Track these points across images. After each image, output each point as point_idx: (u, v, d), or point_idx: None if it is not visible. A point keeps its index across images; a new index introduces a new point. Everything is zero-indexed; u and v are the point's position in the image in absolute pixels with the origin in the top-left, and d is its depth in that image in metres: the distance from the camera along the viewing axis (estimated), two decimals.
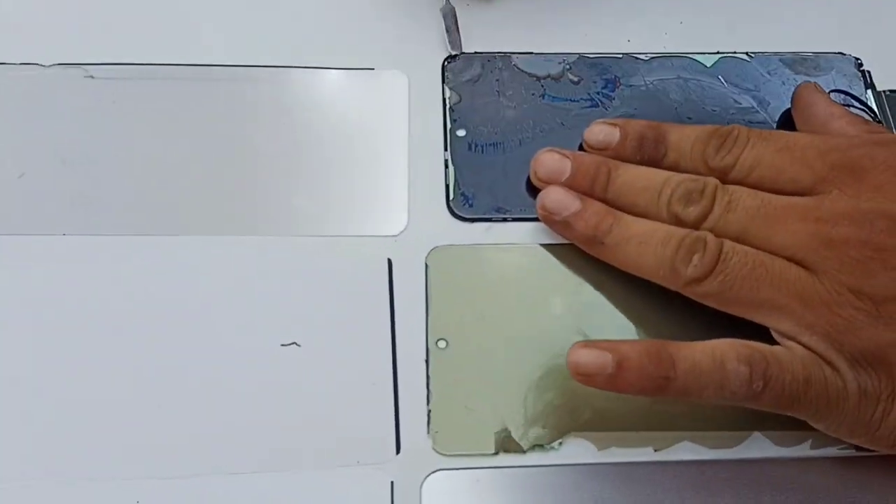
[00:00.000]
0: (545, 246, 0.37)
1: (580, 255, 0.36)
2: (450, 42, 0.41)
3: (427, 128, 0.40)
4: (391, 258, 0.37)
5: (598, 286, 0.36)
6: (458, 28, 0.41)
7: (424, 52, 0.42)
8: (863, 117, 0.35)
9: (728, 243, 0.32)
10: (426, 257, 0.37)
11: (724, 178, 0.34)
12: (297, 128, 0.40)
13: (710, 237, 0.32)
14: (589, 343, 0.31)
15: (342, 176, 0.39)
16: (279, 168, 0.39)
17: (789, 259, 0.32)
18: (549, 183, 0.36)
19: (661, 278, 0.34)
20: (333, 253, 0.37)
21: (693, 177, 0.34)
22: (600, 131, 0.37)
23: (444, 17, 0.42)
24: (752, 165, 0.34)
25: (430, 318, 0.35)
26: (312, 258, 0.37)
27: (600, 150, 0.37)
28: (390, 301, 0.36)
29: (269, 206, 0.38)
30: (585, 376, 0.30)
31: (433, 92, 0.41)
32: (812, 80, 0.41)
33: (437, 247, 0.37)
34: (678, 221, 0.34)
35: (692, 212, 0.33)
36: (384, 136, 0.40)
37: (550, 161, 0.37)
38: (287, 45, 0.42)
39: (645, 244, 0.34)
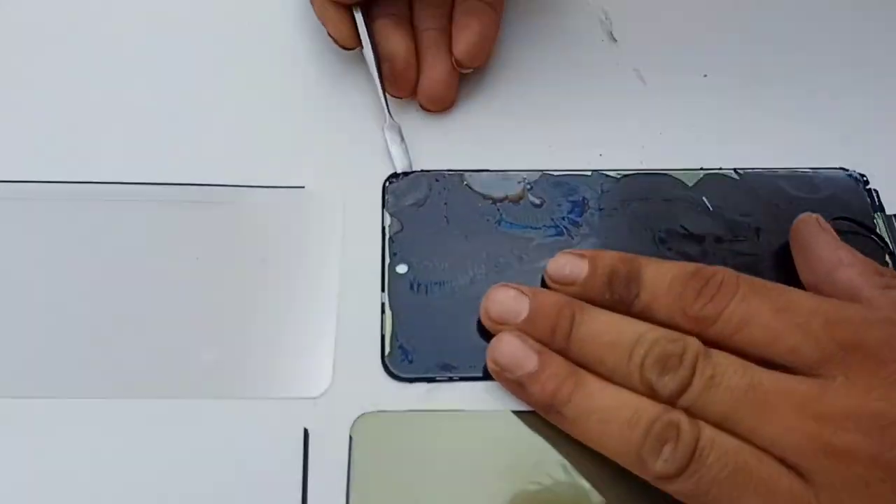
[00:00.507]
0: (503, 413, 0.31)
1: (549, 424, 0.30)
2: (396, 161, 0.36)
3: (362, 262, 0.34)
4: (308, 427, 0.30)
5: (574, 466, 0.30)
6: (404, 145, 0.36)
7: (363, 171, 0.36)
8: (875, 264, 0.30)
9: (707, 433, 0.27)
10: (351, 427, 0.30)
11: (704, 331, 0.29)
12: (208, 259, 0.34)
13: (684, 424, 0.27)
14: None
15: (257, 322, 0.32)
16: (183, 312, 0.33)
17: (780, 460, 0.26)
18: (501, 325, 0.31)
19: (627, 465, 0.28)
20: (238, 420, 0.30)
21: (671, 335, 0.28)
22: (566, 263, 0.31)
23: (390, 133, 0.36)
24: (740, 323, 0.28)
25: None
26: (211, 426, 0.30)
27: (565, 285, 0.31)
28: (303, 482, 0.29)
29: (172, 361, 0.32)
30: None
31: (371, 218, 0.35)
32: (811, 201, 0.35)
33: (364, 413, 0.30)
34: (651, 392, 0.28)
35: (668, 383, 0.28)
36: (311, 270, 0.34)
37: (505, 299, 0.31)
38: (203, 161, 0.36)
39: (608, 423, 0.28)
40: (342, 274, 0.34)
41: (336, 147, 0.37)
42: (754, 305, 0.28)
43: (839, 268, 0.30)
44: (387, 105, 0.37)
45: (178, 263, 0.34)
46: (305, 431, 0.30)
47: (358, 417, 0.30)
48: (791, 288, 0.29)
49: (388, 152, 0.36)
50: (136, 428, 0.30)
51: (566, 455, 0.30)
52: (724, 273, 0.29)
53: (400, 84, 0.37)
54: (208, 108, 0.38)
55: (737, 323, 0.28)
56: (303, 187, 0.36)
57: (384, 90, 0.37)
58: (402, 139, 0.36)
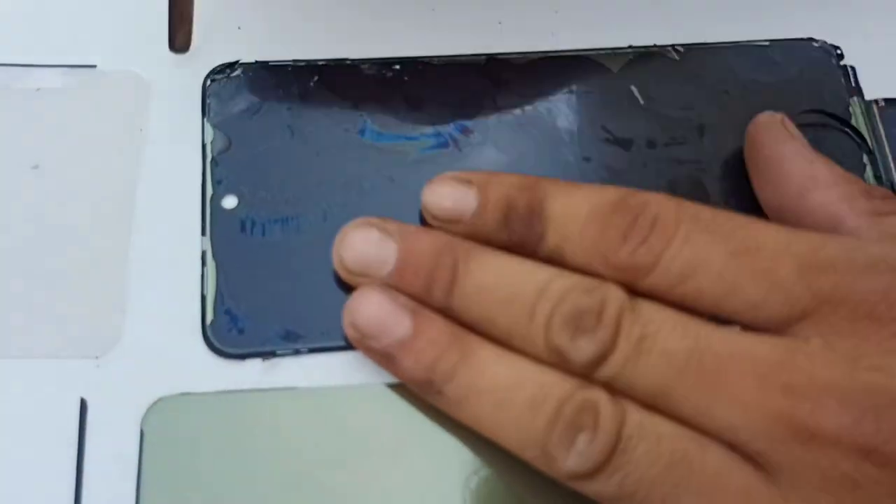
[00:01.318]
0: (363, 387, 0.23)
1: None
2: (174, 39, 0.26)
3: (172, 187, 0.25)
4: (86, 397, 0.23)
5: (452, 450, 0.22)
6: (190, 19, 0.26)
7: (181, 64, 0.27)
8: (860, 182, 0.22)
9: (633, 417, 0.20)
10: (143, 417, 0.22)
11: (634, 283, 0.21)
12: None
13: (604, 405, 0.20)
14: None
15: (23, 253, 0.24)
16: None
17: (732, 447, 0.19)
18: (361, 278, 0.23)
19: (530, 460, 0.21)
20: None
21: (586, 284, 0.21)
22: (448, 195, 0.23)
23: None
24: (683, 272, 0.20)
25: None
26: None
27: (448, 223, 0.23)
28: (77, 475, 0.22)
29: None
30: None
31: (186, 126, 0.26)
32: (770, 85, 0.27)
33: (163, 398, 0.23)
34: (560, 360, 0.21)
35: (582, 348, 0.20)
36: (101, 185, 0.25)
37: (364, 242, 0.23)
38: None
39: (505, 405, 0.21)
40: (140, 197, 0.25)
41: (144, 14, 0.27)
42: (702, 247, 0.20)
43: (814, 189, 0.22)
44: None
45: None
46: (82, 402, 0.22)
47: (154, 404, 0.22)
48: (751, 218, 0.21)
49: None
50: None
51: (440, 437, 0.22)
52: (658, 202, 0.21)
53: None
54: None
55: (678, 272, 0.20)
56: (94, 66, 0.27)
57: None
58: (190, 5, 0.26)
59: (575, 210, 0.22)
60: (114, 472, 0.22)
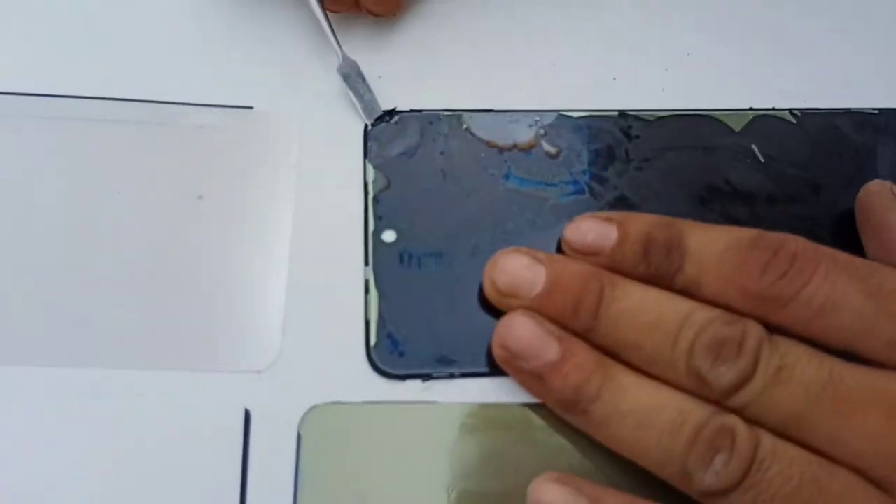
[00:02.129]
0: (503, 406, 0.25)
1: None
2: (363, 109, 0.29)
3: (338, 227, 0.28)
4: (250, 408, 0.25)
5: (587, 469, 0.25)
6: (367, 87, 0.29)
7: (340, 113, 0.29)
8: None
9: (767, 441, 0.22)
10: (300, 421, 0.25)
11: (771, 315, 0.23)
12: (131, 194, 0.28)
13: (741, 429, 0.22)
14: (563, 479, 0.23)
15: (190, 276, 0.27)
16: (99, 261, 0.27)
17: (858, 472, 0.21)
18: (510, 299, 0.25)
19: (667, 477, 0.23)
20: (162, 395, 0.25)
21: (727, 317, 0.23)
22: (589, 230, 0.25)
23: (346, 78, 0.29)
24: (823, 307, 0.23)
25: None
26: (132, 401, 0.25)
27: (589, 256, 0.25)
28: (242, 473, 0.24)
29: (85, 322, 0.26)
30: None
31: (350, 171, 0.28)
32: (877, 150, 0.29)
33: (317, 405, 0.25)
34: (700, 385, 0.23)
35: (723, 375, 0.22)
36: (260, 213, 0.28)
37: (516, 267, 0.25)
38: (128, 70, 0.30)
39: (646, 427, 0.23)
40: (298, 227, 0.28)
41: (299, 60, 0.30)
42: (842, 286, 0.22)
43: None
44: (335, 38, 0.29)
45: (94, 198, 0.27)
46: (247, 413, 0.25)
47: (309, 410, 0.25)
48: (880, 265, 0.23)
49: (354, 104, 0.29)
50: (41, 400, 0.25)
51: (575, 457, 0.25)
52: (796, 242, 0.23)
53: None
54: (134, 3, 0.31)
55: (819, 307, 0.22)
56: (251, 108, 0.29)
57: (325, 14, 0.29)
58: (364, 80, 0.29)
59: (713, 244, 0.24)
60: (274, 475, 0.24)
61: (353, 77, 0.29)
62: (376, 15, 0.30)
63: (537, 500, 0.23)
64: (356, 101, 0.29)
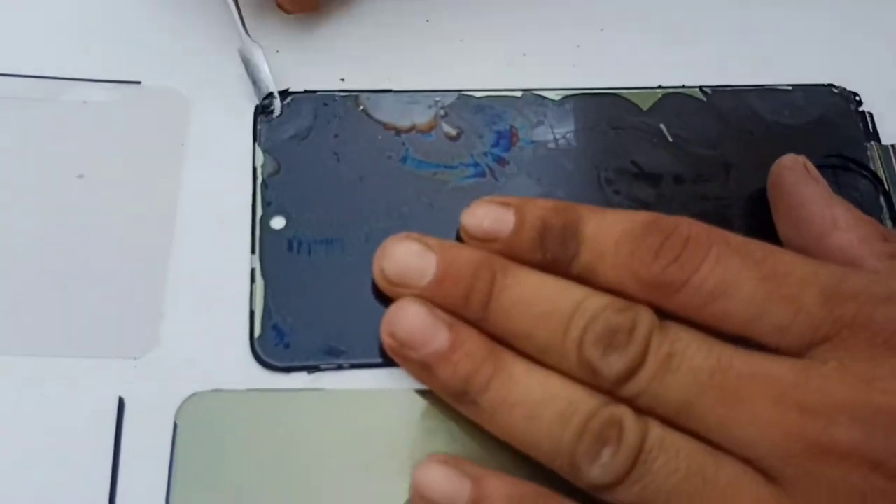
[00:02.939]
0: (392, 392, 0.24)
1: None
2: (254, 90, 0.28)
3: (226, 212, 0.26)
4: (124, 396, 0.24)
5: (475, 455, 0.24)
6: (265, 70, 0.28)
7: (226, 87, 0.28)
8: (878, 226, 0.23)
9: (655, 433, 0.21)
10: (177, 410, 0.24)
11: (664, 300, 0.22)
12: (7, 173, 0.26)
13: (628, 421, 0.21)
14: (447, 460, 0.22)
15: (67, 258, 0.25)
16: None
17: (747, 462, 0.21)
18: (400, 288, 0.24)
19: (557, 469, 0.22)
20: (31, 382, 0.24)
21: (618, 304, 0.22)
22: (486, 214, 0.24)
23: (246, 63, 0.28)
24: (713, 292, 0.22)
25: None
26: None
27: (485, 242, 0.24)
28: (113, 464, 0.23)
29: None
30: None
31: (240, 154, 0.27)
32: (791, 128, 0.29)
33: (196, 393, 0.24)
34: (591, 375, 0.22)
35: (613, 364, 0.21)
36: (143, 195, 0.26)
37: (406, 253, 0.24)
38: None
39: (535, 418, 0.22)
40: (183, 209, 0.26)
41: (189, 33, 0.29)
42: (733, 270, 0.22)
43: (834, 230, 0.23)
44: (240, 18, 0.28)
45: None
46: (120, 401, 0.24)
47: (187, 398, 0.24)
48: (777, 248, 0.22)
49: (252, 82, 0.28)
50: None
51: (467, 444, 0.24)
52: (689, 225, 0.22)
53: None
54: None
55: (709, 292, 0.22)
56: (139, 83, 0.28)
57: None
58: (266, 63, 0.28)
59: (608, 230, 0.23)
60: (148, 465, 0.23)
61: (252, 62, 0.28)
62: (287, 11, 0.29)
63: (419, 481, 0.22)
64: (250, 81, 0.28)
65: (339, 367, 0.24)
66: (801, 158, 0.26)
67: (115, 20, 0.29)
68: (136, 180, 0.27)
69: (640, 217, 0.23)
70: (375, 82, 0.28)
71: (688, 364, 0.21)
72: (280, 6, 0.28)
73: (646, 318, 0.22)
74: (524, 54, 0.29)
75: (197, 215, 0.26)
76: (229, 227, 0.26)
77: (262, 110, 0.28)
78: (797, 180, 0.25)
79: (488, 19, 0.30)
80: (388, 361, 0.24)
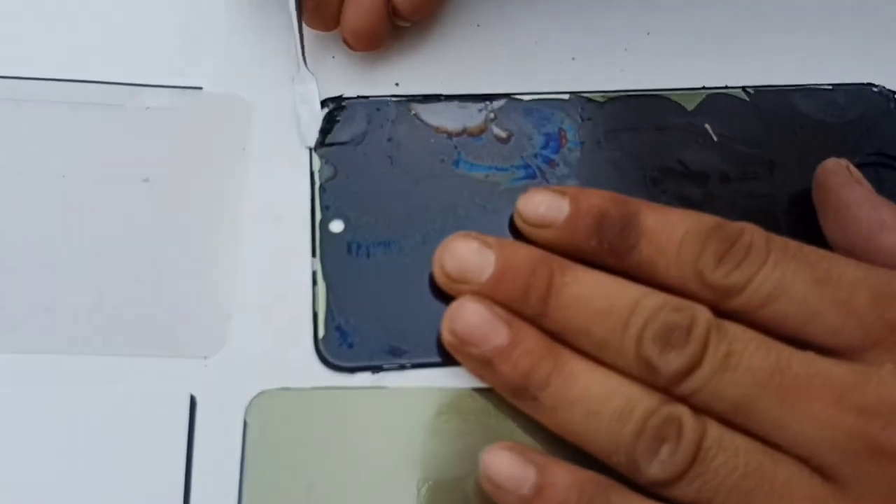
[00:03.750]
0: (454, 391, 0.25)
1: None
2: (301, 124, 0.28)
3: (287, 215, 0.27)
4: (196, 394, 0.25)
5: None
6: (314, 110, 0.29)
7: (285, 91, 0.29)
8: None
9: (713, 431, 0.22)
10: (247, 407, 0.24)
11: (724, 302, 0.23)
12: (75, 177, 0.27)
13: (687, 419, 0.22)
14: (514, 447, 0.23)
15: (136, 261, 0.26)
16: (40, 244, 0.26)
17: (804, 461, 0.21)
18: (459, 285, 0.24)
19: (615, 465, 0.23)
20: (105, 382, 0.25)
21: (677, 303, 0.23)
22: (542, 201, 0.25)
23: (298, 88, 0.28)
24: (771, 294, 0.22)
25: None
26: (74, 387, 0.24)
27: (540, 227, 0.25)
28: (187, 461, 0.24)
29: (25, 307, 0.25)
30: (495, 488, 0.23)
31: (299, 159, 0.28)
32: (835, 127, 0.29)
33: (264, 391, 0.25)
34: (649, 372, 0.22)
35: (671, 362, 0.22)
36: (208, 197, 0.27)
37: (465, 251, 0.24)
38: (71, 50, 0.29)
39: (594, 415, 0.23)
40: (246, 212, 0.27)
41: (250, 41, 0.30)
42: (789, 274, 0.22)
43: (881, 232, 0.24)
44: (302, 48, 0.28)
45: (37, 182, 0.27)
46: (192, 399, 0.24)
47: (256, 396, 0.24)
48: (830, 253, 0.23)
49: (296, 115, 0.28)
50: None
51: (524, 437, 0.24)
52: (751, 232, 0.23)
53: (320, 15, 0.29)
54: None
55: (766, 295, 0.22)
56: (200, 88, 0.29)
57: (300, 22, 0.28)
58: (317, 98, 0.28)
59: (672, 228, 0.24)
60: (219, 462, 0.24)
61: (305, 95, 0.28)
62: (352, 48, 0.29)
63: (487, 465, 0.23)
64: (301, 118, 0.28)
65: (402, 367, 0.25)
66: (844, 162, 0.27)
67: (178, 27, 0.30)
68: (199, 184, 0.27)
69: (705, 220, 0.24)
70: (428, 87, 0.29)
71: (746, 363, 0.22)
72: (345, 41, 0.29)
73: (703, 316, 0.22)
74: (573, 58, 0.30)
75: (260, 219, 0.27)
76: (291, 231, 0.27)
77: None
78: (842, 184, 0.26)
79: (538, 24, 0.30)
80: (448, 360, 0.25)
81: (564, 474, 0.22)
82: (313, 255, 0.26)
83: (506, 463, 0.22)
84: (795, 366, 0.22)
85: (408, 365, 0.25)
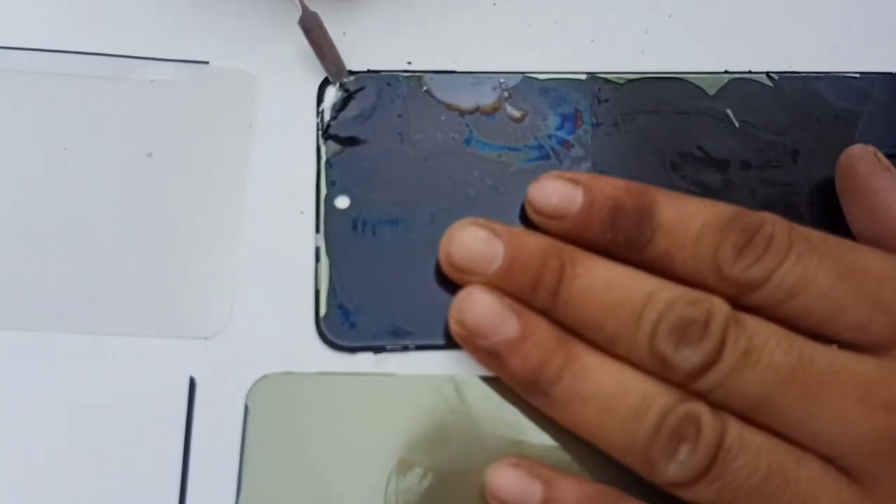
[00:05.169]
0: (465, 378, 0.24)
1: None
2: (326, 69, 0.27)
3: (291, 191, 0.26)
4: (195, 376, 0.24)
5: (546, 446, 0.23)
6: (331, 42, 0.27)
7: (292, 66, 0.28)
8: None
9: (734, 430, 0.21)
10: (248, 391, 0.23)
11: (743, 297, 0.22)
12: (76, 151, 0.26)
13: (706, 417, 0.21)
14: (520, 463, 0.22)
15: (136, 238, 0.25)
16: (40, 220, 0.25)
17: (828, 460, 0.20)
18: (467, 275, 0.23)
19: (630, 464, 0.22)
20: (104, 360, 0.24)
21: (692, 295, 0.22)
22: (555, 191, 0.24)
23: (307, 32, 0.27)
24: (793, 289, 0.21)
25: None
26: (71, 365, 0.24)
27: (552, 219, 0.24)
28: (184, 452, 0.23)
29: (25, 284, 0.25)
30: None
31: (304, 134, 0.27)
32: (860, 115, 0.28)
33: (267, 375, 0.24)
34: (664, 368, 0.21)
35: (688, 358, 0.21)
36: (211, 174, 0.26)
37: (473, 241, 0.23)
38: (72, 23, 0.28)
39: (608, 412, 0.22)
40: (251, 188, 0.26)
41: (258, 14, 0.29)
42: (812, 268, 0.21)
43: None
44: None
45: (37, 155, 0.26)
46: (192, 380, 0.24)
47: (258, 380, 0.24)
48: (855, 244, 0.22)
49: (316, 61, 0.28)
50: None
51: (533, 431, 0.23)
52: (773, 222, 0.22)
53: None
54: None
55: (788, 290, 0.21)
56: (207, 62, 0.28)
57: None
58: (327, 34, 0.27)
59: (688, 220, 0.23)
60: (218, 445, 0.23)
61: (314, 30, 0.27)
62: None
63: (493, 482, 0.22)
64: (319, 59, 0.27)
65: (405, 349, 0.24)
66: (871, 148, 0.26)
67: (182, 0, 0.29)
68: (204, 159, 0.26)
69: (723, 210, 0.23)
70: (441, 65, 0.28)
71: (767, 359, 0.21)
72: None
73: (721, 310, 0.21)
74: (592, 40, 0.29)
75: (265, 195, 0.26)
76: (296, 207, 0.26)
77: (327, 86, 0.27)
78: (869, 170, 0.25)
79: (557, 4, 0.29)
80: (453, 344, 0.24)
81: (571, 488, 0.21)
82: (317, 230, 0.25)
83: (512, 479, 0.22)
84: (819, 361, 0.21)
85: (411, 346, 0.24)
